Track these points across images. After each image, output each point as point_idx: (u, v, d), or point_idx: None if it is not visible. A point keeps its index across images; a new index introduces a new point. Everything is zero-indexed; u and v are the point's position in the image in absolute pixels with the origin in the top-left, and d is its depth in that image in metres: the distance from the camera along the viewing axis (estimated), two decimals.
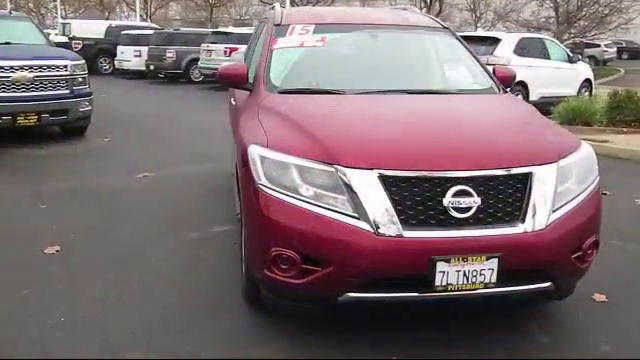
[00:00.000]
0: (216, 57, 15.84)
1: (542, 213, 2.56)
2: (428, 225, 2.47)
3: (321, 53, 3.78)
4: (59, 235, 4.22)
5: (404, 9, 4.79)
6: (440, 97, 3.48)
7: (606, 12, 29.41)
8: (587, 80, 12.27)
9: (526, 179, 2.59)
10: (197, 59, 17.09)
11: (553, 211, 2.59)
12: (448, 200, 2.48)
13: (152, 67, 18.10)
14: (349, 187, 2.48)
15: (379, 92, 3.39)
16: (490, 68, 3.89)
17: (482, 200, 2.50)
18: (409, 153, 2.61)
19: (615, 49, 37.01)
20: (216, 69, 14.94)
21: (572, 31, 27.83)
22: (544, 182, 2.60)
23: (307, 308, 2.76)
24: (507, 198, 2.55)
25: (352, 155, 2.55)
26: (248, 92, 3.70)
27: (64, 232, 4.29)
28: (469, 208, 2.49)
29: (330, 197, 2.52)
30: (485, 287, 2.51)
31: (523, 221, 2.53)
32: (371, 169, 2.50)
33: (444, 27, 4.17)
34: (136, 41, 19.16)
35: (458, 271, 2.47)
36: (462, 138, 2.78)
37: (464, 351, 2.78)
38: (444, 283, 2.47)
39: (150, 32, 19.76)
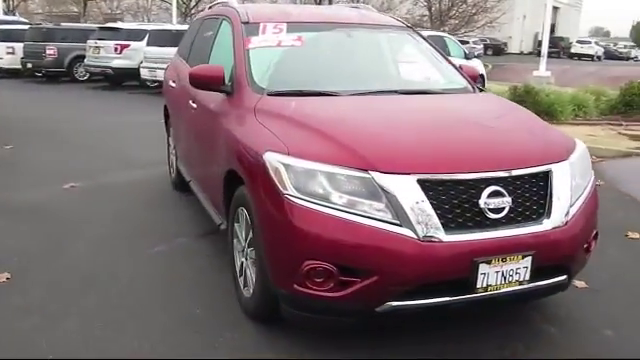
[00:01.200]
0: (105, 54, 14.92)
1: (563, 209, 2.64)
2: (466, 228, 2.46)
3: (302, 53, 3.64)
4: (1, 261, 3.71)
5: (355, 7, 4.73)
6: (437, 97, 3.48)
7: (474, 11, 31.65)
8: (481, 76, 13.05)
9: (547, 177, 2.65)
10: (82, 56, 15.94)
11: (570, 206, 2.68)
12: (484, 201, 2.48)
13: (29, 65, 16.63)
14: (388, 193, 2.40)
15: (374, 93, 3.32)
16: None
17: (512, 200, 2.53)
18: (443, 156, 2.57)
19: (482, 46, 39.73)
20: (106, 67, 14.17)
21: (445, 29, 29.45)
22: (561, 179, 2.69)
23: (338, 321, 2.64)
24: (533, 196, 2.60)
25: (389, 160, 2.47)
26: (223, 95, 3.48)
27: (6, 257, 3.78)
28: (502, 208, 2.51)
29: (366, 204, 2.42)
30: (520, 285, 2.55)
31: (548, 217, 2.60)
32: (409, 174, 2.43)
33: (407, 26, 4.20)
34: (8, 37, 17.48)
35: (497, 272, 2.48)
36: (484, 139, 2.79)
37: (477, 346, 2.80)
38: (485, 284, 2.47)
39: (25, 27, 18.11)
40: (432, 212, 2.40)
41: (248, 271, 3.01)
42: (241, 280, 3.14)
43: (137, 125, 9.33)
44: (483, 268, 2.45)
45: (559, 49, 43.78)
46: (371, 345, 2.78)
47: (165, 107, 5.57)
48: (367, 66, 3.76)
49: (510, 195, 2.53)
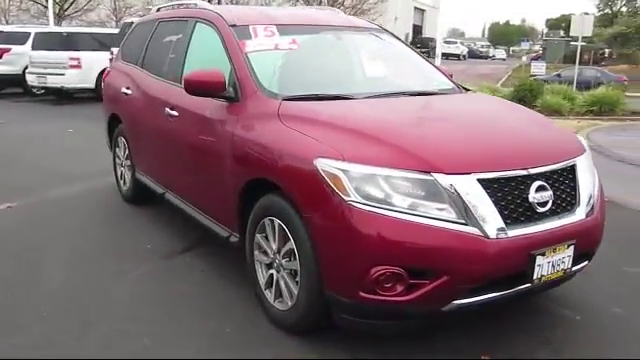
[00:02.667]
0: None
1: (589, 199, 2.84)
2: (520, 222, 2.55)
3: (301, 56, 3.56)
4: None
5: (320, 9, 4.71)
6: (445, 98, 3.55)
7: (352, 13, 32.73)
8: None
9: (573, 170, 2.83)
10: None
11: (591, 195, 2.88)
12: (532, 196, 2.59)
13: None
14: (452, 193, 2.43)
15: (386, 95, 3.33)
16: None
17: (552, 193, 2.67)
18: (494, 154, 2.65)
19: None
20: None
21: None
22: (583, 170, 2.88)
23: (396, 325, 2.63)
24: (566, 189, 2.76)
25: (450, 161, 2.50)
26: (223, 101, 3.32)
27: None
28: (546, 202, 2.64)
29: (430, 205, 2.43)
30: (564, 273, 2.70)
31: (579, 207, 2.77)
32: (469, 173, 2.49)
33: (383, 29, 4.26)
34: None
35: (549, 262, 2.61)
36: (520, 136, 2.91)
37: (518, 339, 2.93)
38: (539, 275, 2.59)
39: None
40: (494, 209, 2.47)
41: (282, 283, 2.90)
42: (268, 293, 3.03)
43: (49, 135, 8.70)
44: (539, 260, 2.56)
45: (429, 49, 46.46)
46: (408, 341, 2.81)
47: (111, 117, 5.18)
48: (367, 68, 3.77)
49: (551, 189, 2.67)
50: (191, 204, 3.82)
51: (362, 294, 2.46)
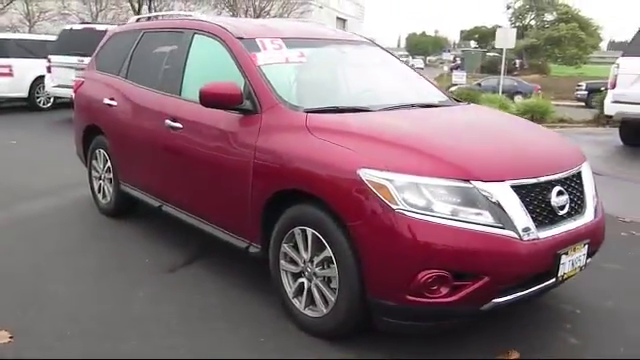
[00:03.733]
0: None
1: (594, 202, 3.11)
2: (545, 225, 2.77)
3: (310, 69, 3.66)
4: None
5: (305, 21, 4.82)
6: (453, 110, 3.74)
7: None
8: None
9: (580, 176, 3.10)
10: None
11: (595, 197, 3.17)
12: (554, 200, 2.82)
13: None
14: (490, 200, 2.61)
15: (400, 107, 3.48)
16: None
17: (567, 197, 2.92)
18: (522, 163, 2.86)
19: None
20: None
21: None
22: (587, 176, 3.16)
23: (436, 325, 2.78)
24: (576, 193, 3.02)
25: (486, 170, 2.68)
26: (237, 113, 3.36)
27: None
28: (564, 205, 2.88)
29: (470, 211, 2.60)
30: (579, 270, 2.95)
31: (587, 210, 3.04)
32: (503, 181, 2.68)
33: (373, 42, 4.43)
34: None
35: (570, 260, 2.84)
36: (537, 146, 3.15)
37: (539, 334, 3.15)
38: (562, 273, 2.82)
39: None
40: (526, 213, 2.68)
41: (315, 291, 2.97)
42: (296, 301, 3.09)
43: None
44: (563, 259, 2.79)
45: None
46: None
47: (87, 128, 5.04)
48: (375, 81, 3.91)
49: (567, 193, 2.91)
50: (197, 216, 3.80)
51: (409, 297, 2.58)
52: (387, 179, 2.60)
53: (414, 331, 2.83)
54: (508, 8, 54.09)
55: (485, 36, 69.79)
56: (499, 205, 2.62)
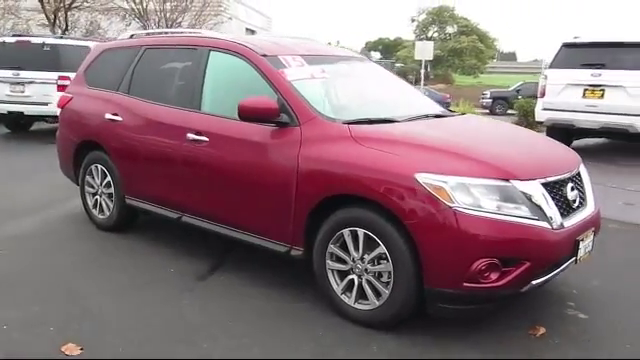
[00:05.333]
0: None
1: (592, 196, 3.64)
2: (565, 216, 3.24)
3: (334, 84, 3.96)
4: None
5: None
6: (462, 119, 4.17)
7: None
8: None
9: (580, 174, 3.62)
10: None
11: (591, 192, 3.70)
12: (569, 195, 3.31)
13: None
14: (526, 196, 3.04)
15: (421, 118, 3.87)
16: None
17: (577, 192, 3.43)
18: (544, 164, 3.33)
19: None
20: None
21: None
22: (584, 175, 3.69)
23: (481, 310, 3.18)
24: (580, 189, 3.53)
25: (522, 171, 3.11)
26: (272, 125, 3.61)
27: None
28: (575, 199, 3.38)
29: (511, 206, 3.02)
30: (588, 255, 3.45)
31: (589, 203, 3.56)
32: (534, 179, 3.12)
33: (369, 59, 4.81)
34: None
35: (584, 246, 3.33)
36: (548, 150, 3.66)
37: (533, 311, 3.61)
38: (579, 257, 3.30)
39: None
40: (554, 206, 3.14)
41: (367, 286, 3.27)
42: (345, 297, 3.37)
43: None
44: (581, 244, 3.27)
45: None
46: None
47: (81, 144, 5.03)
48: (386, 94, 4.27)
49: (576, 189, 3.42)
50: (226, 224, 3.96)
51: (465, 284, 2.96)
52: (442, 181, 2.97)
53: (464, 315, 3.20)
54: (413, 21, 56.78)
55: (388, 47, 72.70)
56: (533, 200, 3.05)
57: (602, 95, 8.77)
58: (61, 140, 5.36)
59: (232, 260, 4.35)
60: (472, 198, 2.97)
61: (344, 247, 3.35)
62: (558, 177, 3.28)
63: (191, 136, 4.04)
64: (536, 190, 3.09)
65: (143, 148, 4.47)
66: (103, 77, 5.01)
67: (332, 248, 3.39)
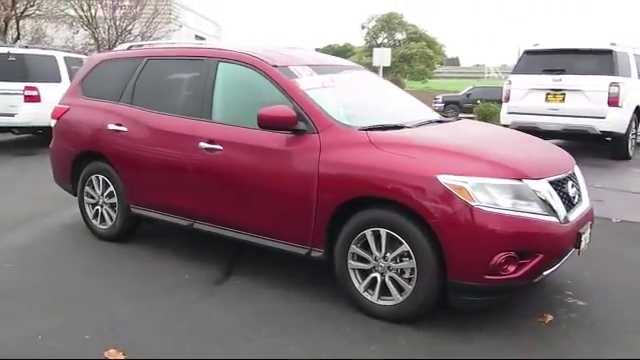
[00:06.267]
0: None
1: (586, 192, 3.96)
2: (569, 211, 3.53)
3: (344, 92, 4.15)
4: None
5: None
6: (464, 124, 4.42)
7: (142, 41, 32.26)
8: None
9: (574, 174, 3.92)
10: None
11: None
12: (570, 191, 3.61)
13: None
14: (537, 194, 3.31)
15: (427, 123, 4.10)
16: None
17: (576, 189, 3.73)
18: (548, 164, 3.61)
19: None
20: None
21: None
22: (578, 174, 4.00)
23: (497, 300, 3.43)
24: (575, 187, 3.82)
25: (532, 171, 3.38)
26: (289, 133, 3.77)
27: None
28: (575, 196, 3.68)
29: (524, 203, 3.28)
30: (587, 246, 3.75)
31: (585, 199, 3.87)
32: (543, 178, 3.40)
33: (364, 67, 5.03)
34: None
35: (584, 238, 3.63)
36: (548, 151, 3.93)
37: (537, 302, 3.90)
38: (581, 248, 3.59)
39: None
40: (560, 202, 3.42)
41: (390, 282, 3.47)
42: (367, 294, 3.55)
43: None
44: (582, 237, 3.56)
45: None
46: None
47: (79, 155, 5.04)
48: (389, 101, 4.49)
49: (574, 186, 3.72)
50: (241, 230, 4.08)
51: (486, 277, 3.20)
52: (463, 181, 3.20)
53: (482, 305, 3.44)
54: (363, 28, 57.59)
55: (338, 53, 73.35)
56: (542, 197, 3.32)
57: (563, 99, 9.30)
58: (57, 151, 5.34)
59: (243, 264, 4.47)
60: (490, 197, 3.21)
61: (365, 247, 3.54)
62: (560, 176, 3.57)
63: (203, 145, 4.14)
64: (545, 188, 3.36)
65: (150, 157, 4.53)
66: (102, 88, 5.04)
67: (354, 248, 3.57)
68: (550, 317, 3.60)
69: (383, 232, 3.43)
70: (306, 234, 3.76)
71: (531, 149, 3.91)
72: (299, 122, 3.75)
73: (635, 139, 10.05)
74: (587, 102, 9.08)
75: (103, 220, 5.02)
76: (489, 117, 12.44)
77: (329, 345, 3.24)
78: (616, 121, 9.11)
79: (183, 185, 4.37)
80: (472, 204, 3.17)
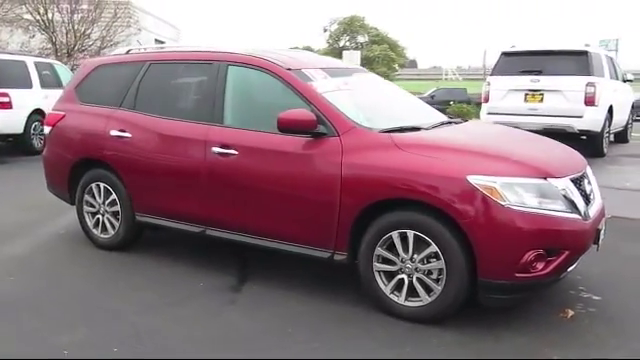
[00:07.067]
0: None
1: (598, 190, 4.05)
2: (587, 208, 3.62)
3: (358, 95, 4.15)
4: None
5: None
6: (473, 123, 4.47)
7: (102, 45, 31.62)
8: None
9: (587, 173, 4.01)
10: None
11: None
12: (587, 189, 3.69)
13: None
14: (561, 192, 3.38)
15: (442, 125, 4.13)
16: None
17: (591, 187, 3.82)
18: (567, 163, 3.70)
19: None
20: None
21: (73, 62, 28.61)
22: (590, 172, 4.09)
23: (524, 298, 3.48)
24: (590, 185, 3.92)
25: (555, 170, 3.45)
26: (308, 136, 3.74)
27: None
28: (590, 193, 3.76)
29: (548, 202, 3.34)
30: (602, 241, 3.84)
31: (597, 196, 3.97)
32: (565, 177, 3.47)
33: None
34: None
35: (602, 234, 3.71)
36: (563, 150, 4.01)
37: (555, 298, 3.97)
38: (599, 244, 3.68)
39: None
40: (581, 199, 3.49)
41: (417, 283, 3.48)
42: (394, 297, 3.55)
43: None
44: (601, 233, 3.65)
45: None
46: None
47: (78, 162, 4.90)
48: (399, 103, 4.50)
49: (589, 184, 3.81)
50: (258, 235, 4.03)
51: (517, 275, 3.24)
52: (492, 181, 3.24)
53: (509, 303, 3.49)
54: (325, 31, 57.87)
55: None
56: (566, 195, 3.39)
57: (542, 99, 9.53)
58: (53, 159, 5.17)
59: (255, 270, 4.42)
60: (518, 196, 3.26)
61: (390, 249, 3.54)
62: (578, 174, 3.65)
63: (216, 149, 4.08)
64: (567, 186, 3.43)
65: (158, 163, 4.43)
66: (100, 93, 4.91)
67: (379, 250, 3.56)
68: (571, 312, 3.67)
69: (410, 234, 3.44)
70: (328, 237, 3.73)
71: (549, 149, 3.99)
72: (319, 125, 3.73)
73: (608, 137, 10.37)
74: (565, 102, 9.32)
75: (105, 229, 4.88)
76: (463, 117, 12.62)
77: (364, 348, 3.23)
78: (593, 120, 9.37)
79: (194, 191, 4.28)
80: (502, 203, 3.21)
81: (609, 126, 10.12)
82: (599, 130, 9.57)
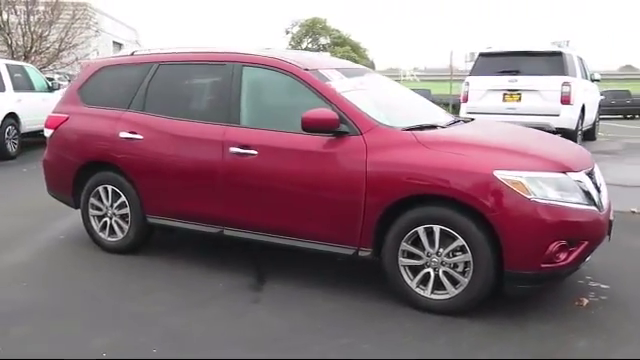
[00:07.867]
0: None
1: (604, 185, 4.24)
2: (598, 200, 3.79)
3: (372, 94, 4.23)
4: None
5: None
6: (483, 122, 4.61)
7: (60, 47, 30.87)
8: None
9: (595, 167, 4.19)
10: None
11: None
12: (597, 182, 3.87)
13: None
14: (580, 185, 3.54)
15: (455, 123, 4.25)
16: None
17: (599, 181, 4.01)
18: (579, 157, 3.86)
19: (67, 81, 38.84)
20: None
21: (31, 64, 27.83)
22: (597, 168, 4.28)
23: (544, 287, 3.63)
24: (598, 180, 4.10)
25: (572, 164, 3.61)
26: (330, 135, 3.81)
27: None
28: (600, 186, 3.94)
29: (568, 195, 3.49)
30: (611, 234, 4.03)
31: (604, 189, 4.15)
32: (580, 171, 3.63)
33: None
34: None
35: (612, 225, 3.90)
36: (571, 146, 4.18)
37: (567, 289, 4.13)
38: (610, 235, 3.86)
39: None
40: (596, 192, 3.66)
41: (443, 277, 3.58)
42: (420, 290, 3.64)
43: None
44: (612, 224, 3.83)
45: None
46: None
47: (84, 166, 4.83)
48: (411, 102, 4.61)
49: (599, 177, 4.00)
50: (283, 234, 4.05)
51: (543, 265, 3.38)
52: (519, 176, 3.37)
53: (533, 292, 3.63)
54: (287, 33, 57.92)
55: None
56: (583, 188, 3.55)
57: (519, 98, 9.83)
58: (55, 162, 5.08)
59: (272, 268, 4.45)
60: (542, 190, 3.40)
61: (415, 243, 3.63)
62: (591, 168, 3.83)
63: (235, 150, 4.10)
64: (583, 179, 3.59)
65: (171, 165, 4.41)
66: (106, 95, 4.86)
67: (405, 245, 3.65)
68: (586, 300, 3.83)
69: (437, 228, 3.54)
70: (353, 234, 3.80)
71: (561, 145, 4.16)
72: (342, 124, 3.79)
73: (581, 135, 10.75)
74: (542, 101, 9.65)
75: (112, 232, 4.83)
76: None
77: (398, 341, 3.31)
78: (568, 118, 9.73)
79: (211, 191, 4.29)
80: (529, 197, 3.35)
81: (582, 124, 10.51)
82: (574, 128, 9.93)
